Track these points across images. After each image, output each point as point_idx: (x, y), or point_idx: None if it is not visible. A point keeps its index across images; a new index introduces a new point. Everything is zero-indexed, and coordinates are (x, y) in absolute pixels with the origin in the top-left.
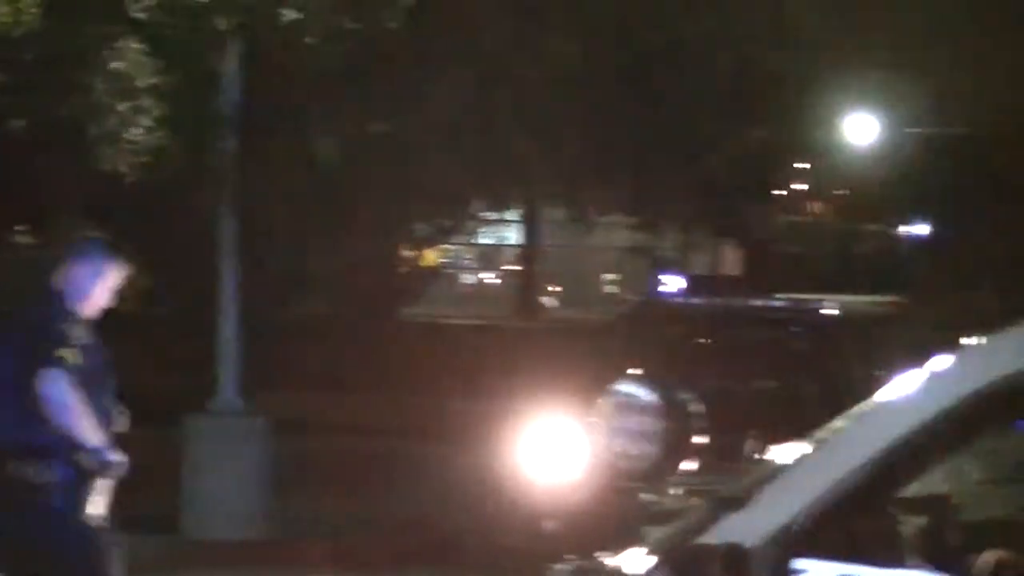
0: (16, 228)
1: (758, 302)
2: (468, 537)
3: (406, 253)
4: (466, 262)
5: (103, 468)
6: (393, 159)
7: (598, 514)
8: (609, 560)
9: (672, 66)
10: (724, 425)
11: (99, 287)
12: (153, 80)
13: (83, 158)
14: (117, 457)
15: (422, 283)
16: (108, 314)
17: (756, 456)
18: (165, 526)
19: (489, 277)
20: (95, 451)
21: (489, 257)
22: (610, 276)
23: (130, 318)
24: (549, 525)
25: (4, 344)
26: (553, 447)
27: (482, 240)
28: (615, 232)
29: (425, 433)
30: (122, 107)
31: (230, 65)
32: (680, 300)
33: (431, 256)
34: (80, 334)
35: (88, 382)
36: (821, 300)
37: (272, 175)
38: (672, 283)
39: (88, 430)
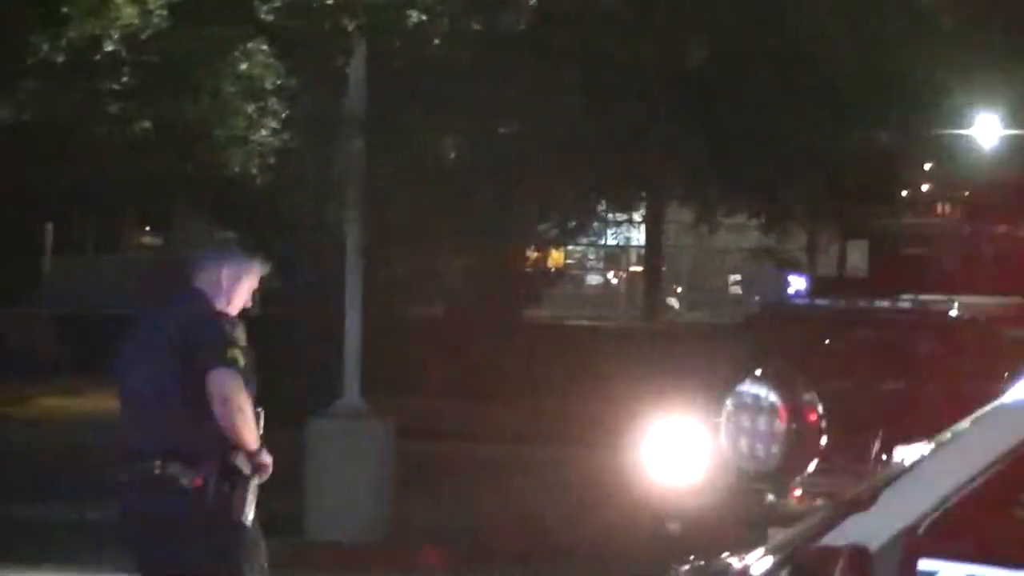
0: (146, 229)
1: (884, 303)
2: (592, 539)
3: (531, 254)
4: (591, 263)
5: (258, 470)
6: (518, 159)
7: (723, 515)
8: (734, 561)
9: (800, 65)
10: (849, 426)
11: (241, 289)
12: (280, 81)
13: (211, 160)
14: (270, 459)
15: (547, 284)
16: (239, 315)
17: (882, 457)
18: (290, 527)
19: (614, 278)
20: (254, 453)
21: (614, 258)
22: (735, 277)
23: (256, 319)
24: (674, 527)
25: (154, 343)
26: (678, 449)
27: (607, 241)
28: (741, 233)
29: (549, 436)
30: (249, 109)
31: (356, 66)
32: (808, 301)
33: (556, 257)
34: (240, 335)
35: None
36: (948, 301)
37: (397, 176)
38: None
39: (251, 432)
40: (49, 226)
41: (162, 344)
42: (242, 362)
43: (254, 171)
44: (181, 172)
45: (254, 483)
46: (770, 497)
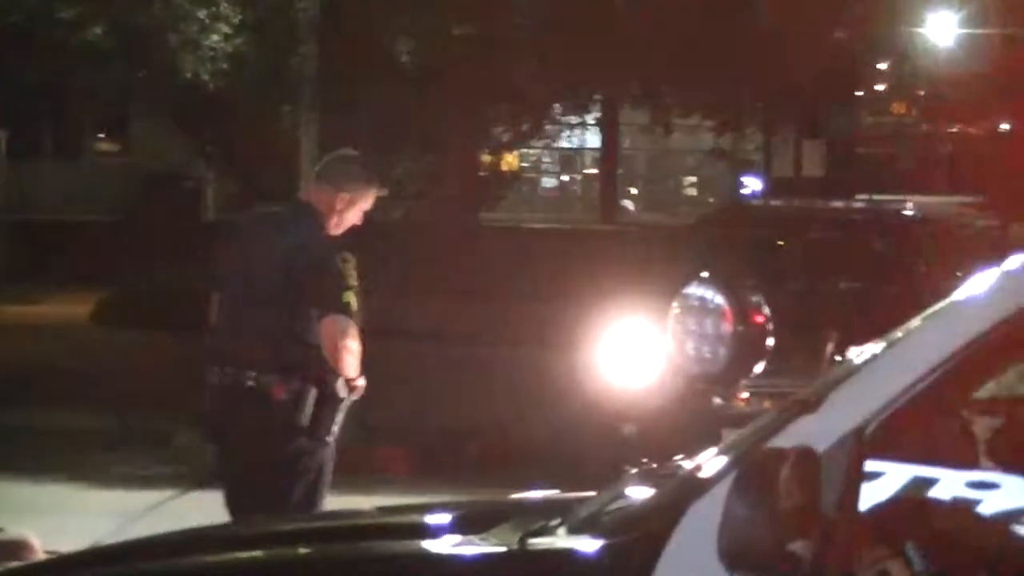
0: (99, 136)
1: (839, 203)
2: (547, 442)
3: (487, 158)
4: (546, 166)
5: (352, 391)
6: (473, 62)
7: (675, 418)
8: (685, 463)
9: None
10: (800, 328)
11: (354, 212)
12: None
13: (164, 65)
14: (364, 382)
15: (503, 187)
16: (196, 222)
17: (834, 359)
18: None
19: (569, 181)
20: (353, 379)
21: (569, 161)
22: (691, 179)
23: (215, 225)
24: (627, 429)
25: (262, 256)
26: (631, 351)
27: (563, 144)
28: (696, 134)
29: (503, 337)
30: (201, 14)
31: None
32: (761, 202)
33: (512, 160)
34: (351, 270)
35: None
36: (902, 201)
37: (353, 80)
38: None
39: (355, 365)
40: (3, 132)
41: (272, 259)
42: (355, 305)
43: (206, 76)
44: (135, 77)
45: (345, 404)
46: (717, 400)
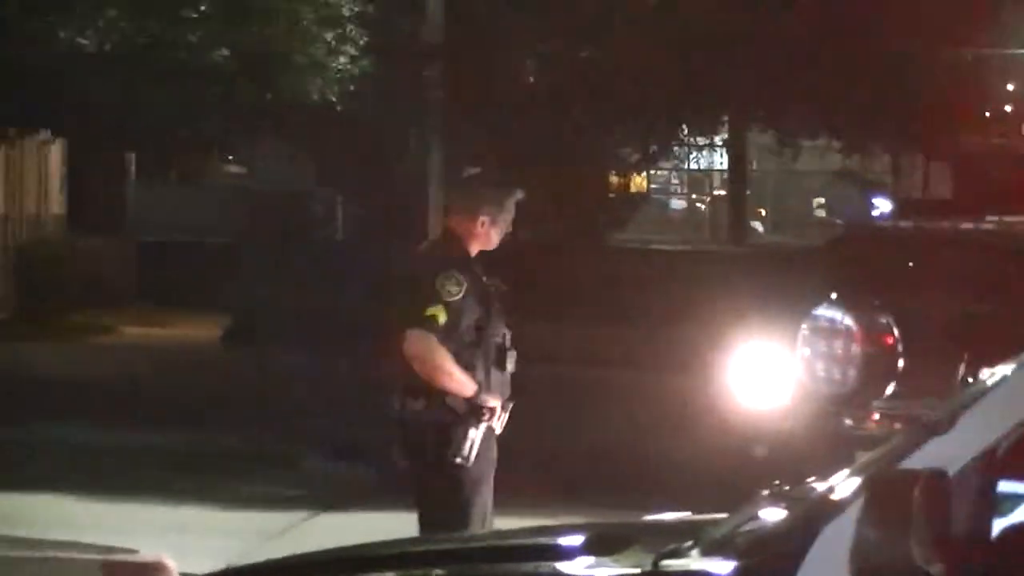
0: (226, 158)
1: (970, 224)
2: (680, 464)
3: (615, 179)
4: (674, 187)
5: (477, 413)
6: (600, 83)
7: (806, 440)
8: (817, 485)
9: None
10: (930, 349)
11: (497, 229)
12: (358, 8)
13: (291, 88)
14: (493, 400)
15: (631, 208)
16: (323, 243)
17: (964, 381)
18: (383, 454)
19: (698, 202)
20: (471, 398)
21: (697, 182)
22: (819, 200)
23: (346, 248)
24: (759, 451)
25: (401, 281)
26: (762, 373)
27: (690, 165)
28: (824, 156)
29: (634, 360)
30: (328, 36)
31: None
32: (891, 223)
33: (639, 181)
34: (455, 287)
35: (482, 323)
36: None
37: (479, 102)
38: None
39: (458, 382)
40: (132, 155)
41: (404, 284)
42: (443, 319)
43: (333, 98)
44: (262, 100)
45: (474, 426)
46: (848, 421)
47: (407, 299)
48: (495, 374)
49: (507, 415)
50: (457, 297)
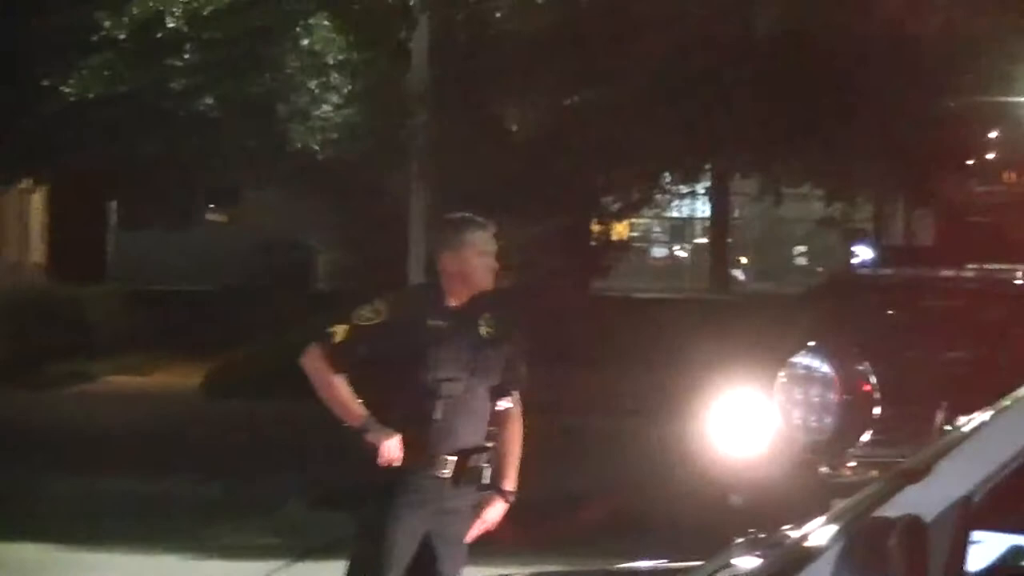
0: (209, 206)
1: (950, 272)
2: (657, 511)
3: (597, 227)
4: (656, 235)
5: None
6: (583, 131)
7: (783, 487)
8: (792, 533)
9: (865, 33)
10: (908, 397)
11: (470, 268)
12: (342, 56)
13: (274, 136)
14: (383, 439)
15: (613, 257)
16: (305, 291)
17: (942, 428)
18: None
19: (680, 250)
20: (356, 429)
21: (679, 230)
22: (801, 248)
23: (327, 295)
24: (736, 499)
25: None
26: (740, 421)
27: (673, 213)
28: (806, 204)
29: (613, 407)
30: (312, 84)
31: (419, 40)
32: (871, 271)
33: (622, 229)
34: (369, 313)
35: (409, 363)
36: (1013, 270)
37: (463, 149)
38: (865, 254)
39: (340, 405)
40: (113, 203)
41: None
42: (339, 338)
43: (316, 146)
44: (245, 147)
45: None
46: (824, 468)
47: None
48: (426, 420)
49: (471, 468)
50: (366, 323)
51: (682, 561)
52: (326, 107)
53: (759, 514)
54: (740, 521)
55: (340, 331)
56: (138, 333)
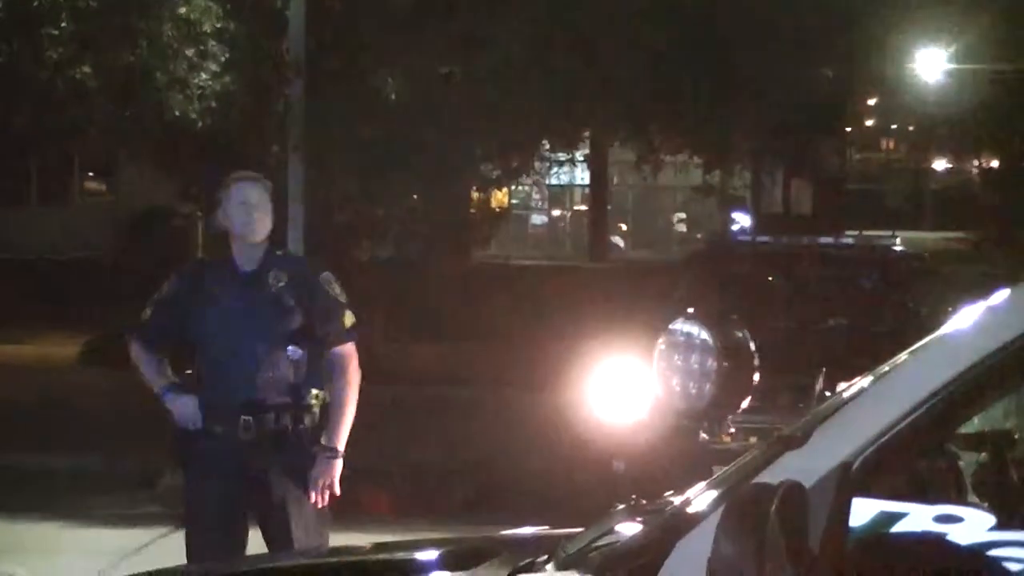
0: (86, 176)
1: (827, 240)
2: (540, 480)
3: (475, 195)
4: (535, 203)
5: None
6: (459, 100)
7: (664, 454)
8: (674, 500)
9: (740, 2)
10: (787, 364)
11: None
12: (219, 25)
13: (151, 105)
14: (173, 406)
15: (492, 225)
16: (184, 261)
17: (822, 395)
18: None
19: (559, 218)
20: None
21: (558, 198)
22: (680, 216)
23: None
24: (618, 465)
25: None
26: (619, 387)
27: (552, 181)
28: (684, 171)
29: (494, 376)
30: (189, 52)
31: (295, 8)
32: (748, 239)
33: (500, 197)
34: (164, 286)
35: (197, 328)
36: (891, 237)
37: (338, 119)
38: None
39: (142, 375)
40: None
41: None
42: (143, 317)
43: (194, 115)
44: (122, 117)
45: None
46: (704, 435)
47: None
48: (218, 382)
49: (272, 428)
50: (159, 297)
51: (564, 528)
52: (203, 75)
53: (640, 480)
54: (621, 488)
55: (145, 312)
56: (10, 303)
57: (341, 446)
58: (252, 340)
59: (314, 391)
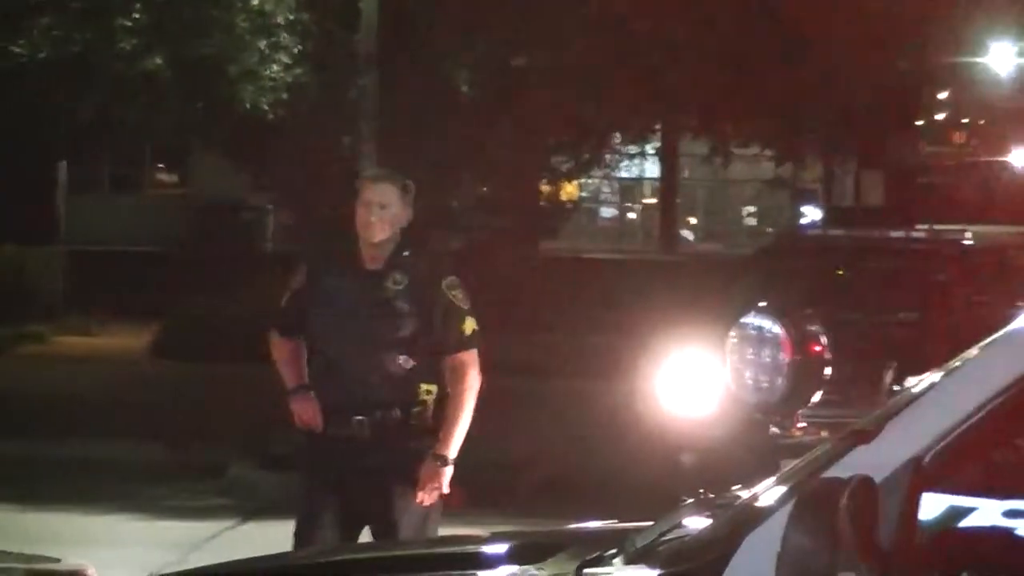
0: (157, 167)
1: (898, 233)
2: (608, 472)
3: (545, 187)
4: (605, 196)
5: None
6: (533, 92)
7: (733, 448)
8: (743, 493)
9: None
10: (859, 357)
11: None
12: (292, 16)
13: (223, 96)
14: (299, 406)
15: (562, 217)
16: (254, 253)
17: (892, 389)
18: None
19: (629, 211)
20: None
21: (629, 191)
22: (750, 209)
23: (277, 256)
24: (687, 459)
25: None
26: (690, 380)
27: (622, 174)
28: (756, 164)
29: (563, 369)
30: (261, 44)
31: (368, 1)
32: (820, 232)
33: (571, 190)
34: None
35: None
36: (963, 230)
37: (410, 110)
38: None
39: (278, 372)
40: (63, 164)
41: None
42: (282, 304)
43: (265, 107)
44: (194, 108)
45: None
46: (775, 429)
47: None
48: (334, 381)
49: (385, 427)
50: (292, 287)
51: (632, 522)
52: (275, 67)
53: (709, 474)
54: (690, 481)
55: (283, 300)
56: (84, 294)
57: (452, 454)
58: (363, 344)
59: (424, 386)
